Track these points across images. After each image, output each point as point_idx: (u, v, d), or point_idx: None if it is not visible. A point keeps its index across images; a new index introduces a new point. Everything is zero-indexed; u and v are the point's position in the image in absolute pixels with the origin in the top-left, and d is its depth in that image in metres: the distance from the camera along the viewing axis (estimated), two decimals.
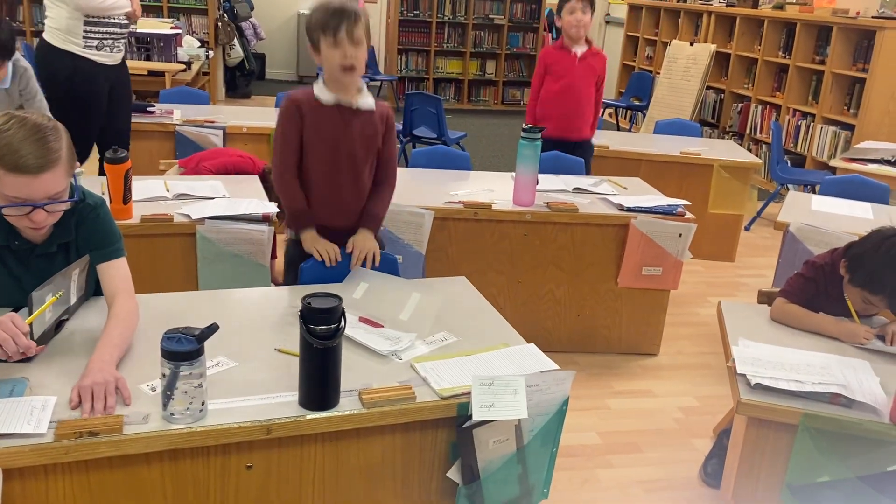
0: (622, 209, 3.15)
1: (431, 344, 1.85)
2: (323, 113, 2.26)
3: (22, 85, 3.23)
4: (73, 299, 1.83)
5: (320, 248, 2.28)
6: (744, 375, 1.87)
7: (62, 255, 1.81)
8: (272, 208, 2.79)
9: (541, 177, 3.19)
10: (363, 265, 2.27)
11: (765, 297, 2.43)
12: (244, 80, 9.04)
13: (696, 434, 2.78)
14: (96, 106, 3.75)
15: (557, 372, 1.72)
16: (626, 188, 3.50)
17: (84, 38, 3.62)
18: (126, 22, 3.74)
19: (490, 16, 9.32)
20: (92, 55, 3.66)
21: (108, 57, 3.73)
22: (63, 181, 1.67)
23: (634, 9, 9.01)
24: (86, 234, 1.81)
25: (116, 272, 1.83)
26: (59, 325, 1.76)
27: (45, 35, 3.69)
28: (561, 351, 1.88)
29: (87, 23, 3.59)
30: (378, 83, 9.40)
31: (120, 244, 1.87)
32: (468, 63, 9.45)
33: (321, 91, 2.26)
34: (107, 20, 3.65)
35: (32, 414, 1.40)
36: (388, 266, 2.35)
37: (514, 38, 9.52)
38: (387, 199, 2.45)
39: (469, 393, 1.58)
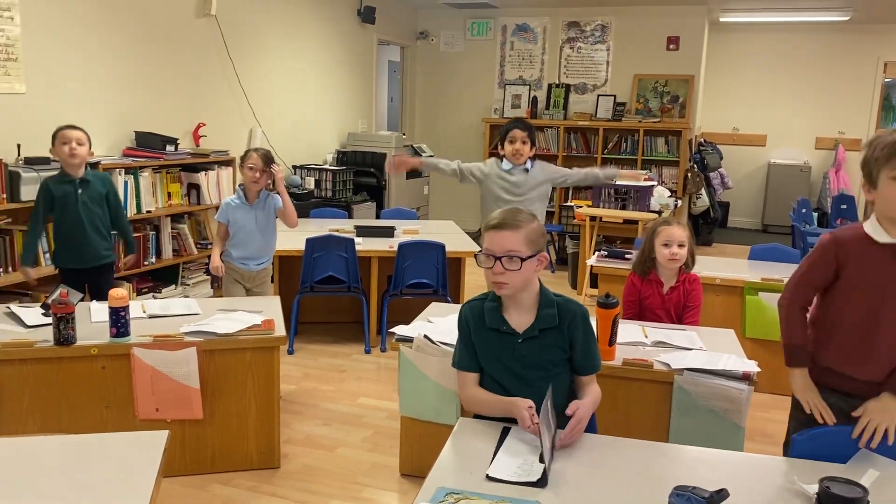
0: None
1: None
2: (873, 253, 2.02)
3: None
4: (553, 429, 1.96)
5: (812, 400, 2.11)
6: None
7: (542, 339, 2.09)
8: (753, 367, 2.68)
9: None
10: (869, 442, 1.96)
11: None
12: (706, 227, 9.10)
13: None
14: None
15: None
16: None
17: None
18: None
19: None
20: None
21: None
22: (519, 245, 2.02)
23: None
24: (574, 338, 2.12)
25: (593, 381, 2.18)
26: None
27: None
28: None
29: None
30: None
31: (599, 362, 2.16)
32: None
33: (874, 229, 2.02)
34: None
35: None
36: None
37: None
38: None
39: None
